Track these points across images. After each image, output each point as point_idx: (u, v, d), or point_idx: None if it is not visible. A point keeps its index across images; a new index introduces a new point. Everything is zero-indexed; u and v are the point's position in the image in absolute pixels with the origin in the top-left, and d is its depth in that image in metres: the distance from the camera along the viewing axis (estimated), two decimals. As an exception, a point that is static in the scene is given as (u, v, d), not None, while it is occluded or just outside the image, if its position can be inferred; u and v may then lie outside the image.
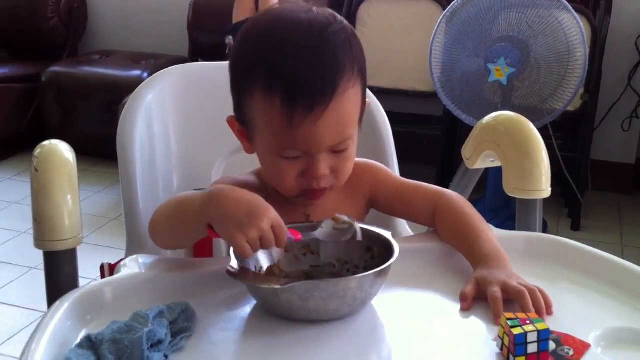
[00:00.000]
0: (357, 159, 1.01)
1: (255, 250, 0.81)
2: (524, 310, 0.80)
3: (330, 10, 0.93)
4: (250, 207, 0.81)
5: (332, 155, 0.92)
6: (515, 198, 1.17)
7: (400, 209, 1.06)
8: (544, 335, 0.72)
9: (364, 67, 0.94)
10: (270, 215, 0.81)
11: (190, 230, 0.87)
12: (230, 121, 0.99)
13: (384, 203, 1.05)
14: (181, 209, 0.89)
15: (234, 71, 0.95)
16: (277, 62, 0.88)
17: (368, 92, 1.22)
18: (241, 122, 0.96)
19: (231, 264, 0.82)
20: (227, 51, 2.74)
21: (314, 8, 0.92)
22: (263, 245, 0.81)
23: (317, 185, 0.93)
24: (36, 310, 2.19)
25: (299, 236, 0.86)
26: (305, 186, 0.93)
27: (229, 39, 2.83)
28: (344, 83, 0.88)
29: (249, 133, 0.96)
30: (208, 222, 0.82)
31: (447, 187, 1.09)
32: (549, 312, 0.82)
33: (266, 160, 0.95)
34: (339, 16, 0.93)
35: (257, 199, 0.82)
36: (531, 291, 0.83)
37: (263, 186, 1.01)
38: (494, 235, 0.95)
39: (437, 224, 1.00)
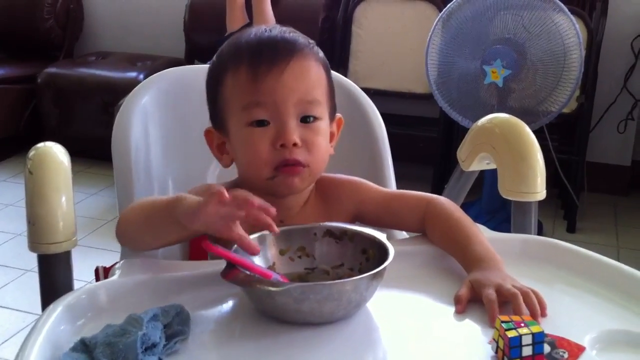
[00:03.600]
0: (338, 176, 1.05)
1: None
2: (518, 312, 0.80)
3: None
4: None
5: (301, 126, 0.95)
6: (511, 200, 1.17)
7: (388, 221, 1.04)
8: (538, 338, 0.72)
9: (327, 65, 1.01)
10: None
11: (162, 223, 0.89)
12: (207, 133, 1.03)
13: (371, 217, 1.04)
14: (151, 207, 0.91)
15: (208, 80, 1.02)
16: (241, 45, 0.97)
17: (362, 93, 1.24)
18: (217, 124, 1.00)
19: (226, 266, 0.82)
20: None
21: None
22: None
23: (289, 155, 0.94)
24: (32, 313, 2.18)
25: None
26: (279, 159, 0.94)
27: None
28: (305, 50, 0.97)
29: (224, 128, 0.99)
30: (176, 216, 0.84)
31: (443, 189, 1.09)
32: (543, 314, 0.82)
33: (239, 139, 0.97)
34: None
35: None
36: (525, 293, 0.83)
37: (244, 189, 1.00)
38: (485, 237, 0.95)
39: (427, 230, 1.00)
